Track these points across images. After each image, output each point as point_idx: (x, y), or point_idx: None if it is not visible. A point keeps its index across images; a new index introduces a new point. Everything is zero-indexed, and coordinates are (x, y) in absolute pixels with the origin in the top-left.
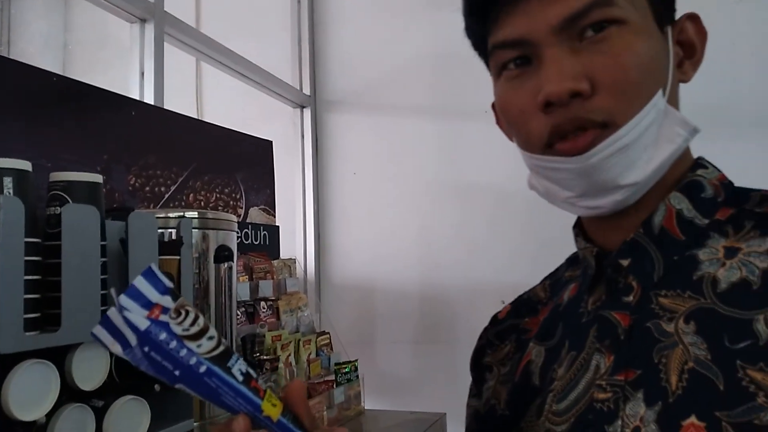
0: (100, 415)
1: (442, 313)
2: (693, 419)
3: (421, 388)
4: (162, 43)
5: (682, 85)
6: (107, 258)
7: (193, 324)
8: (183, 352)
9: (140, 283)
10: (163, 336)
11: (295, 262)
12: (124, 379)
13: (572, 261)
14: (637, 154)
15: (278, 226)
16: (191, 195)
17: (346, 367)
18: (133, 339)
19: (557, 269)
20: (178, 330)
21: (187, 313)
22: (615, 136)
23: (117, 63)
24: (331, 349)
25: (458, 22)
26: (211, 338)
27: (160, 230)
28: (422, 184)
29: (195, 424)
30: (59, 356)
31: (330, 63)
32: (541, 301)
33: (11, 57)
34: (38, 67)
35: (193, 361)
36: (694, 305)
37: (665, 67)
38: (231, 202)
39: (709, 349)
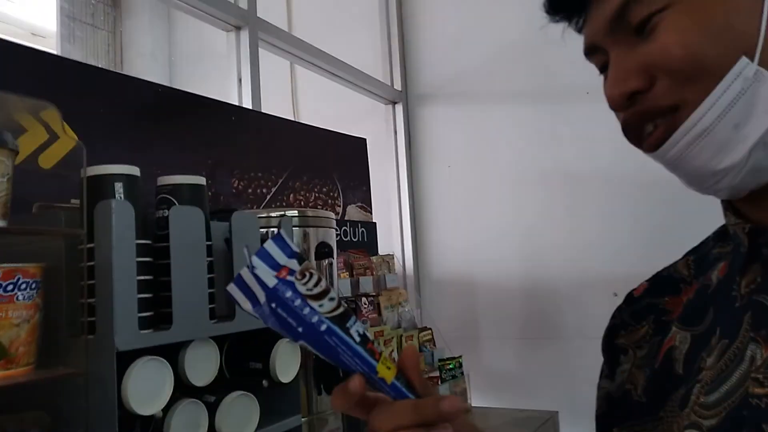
0: (212, 410)
1: (549, 307)
2: None
3: (529, 386)
4: (257, 48)
5: None
6: (213, 257)
7: (316, 285)
8: (306, 310)
9: (270, 246)
10: (288, 294)
11: (393, 258)
12: (233, 375)
13: (720, 235)
14: (725, 134)
15: (375, 223)
16: (291, 195)
17: (450, 364)
18: (261, 296)
19: (702, 243)
20: (302, 289)
21: (311, 275)
22: (688, 123)
23: (216, 72)
24: (434, 344)
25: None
26: (332, 299)
27: (262, 229)
28: (519, 174)
29: (303, 419)
30: (172, 353)
31: (420, 56)
32: (684, 279)
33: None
34: (144, 80)
35: (315, 319)
36: None
37: (748, 23)
38: (329, 201)
39: None
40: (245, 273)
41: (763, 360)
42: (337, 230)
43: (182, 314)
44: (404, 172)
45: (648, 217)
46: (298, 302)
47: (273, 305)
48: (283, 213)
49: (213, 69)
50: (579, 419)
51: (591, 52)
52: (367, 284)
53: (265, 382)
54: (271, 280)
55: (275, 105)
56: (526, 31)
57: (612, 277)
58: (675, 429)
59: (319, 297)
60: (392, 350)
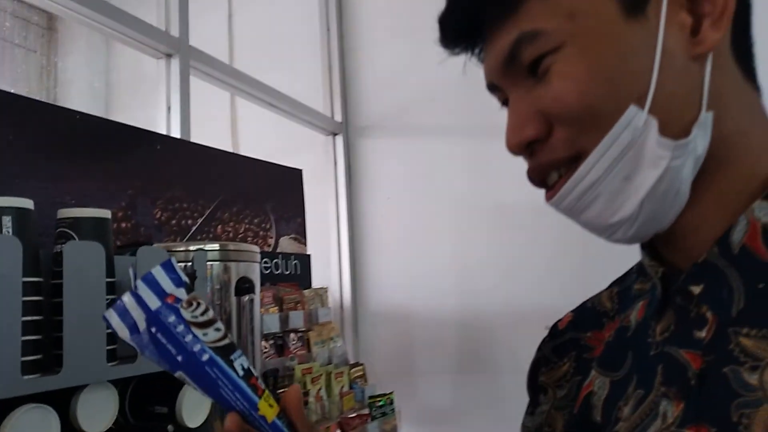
0: None
1: (483, 340)
2: None
3: (463, 420)
4: (188, 77)
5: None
6: (116, 294)
7: (203, 314)
8: (188, 338)
9: (158, 272)
10: (171, 318)
11: (327, 291)
12: (137, 420)
13: (643, 267)
14: (615, 186)
15: (309, 255)
16: (219, 227)
17: (381, 400)
18: (141, 320)
19: (627, 274)
20: (187, 316)
21: (198, 304)
22: (577, 176)
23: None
24: (366, 381)
25: None
26: (218, 330)
27: (179, 263)
28: (456, 206)
29: None
30: (66, 399)
31: (360, 89)
32: (607, 312)
33: (59, 102)
34: (61, 106)
35: (197, 347)
36: None
37: (640, 68)
38: (261, 233)
39: None
40: (127, 298)
41: (674, 418)
42: (267, 263)
43: (75, 357)
44: (343, 204)
45: (580, 252)
46: (180, 328)
47: (153, 330)
48: (202, 247)
49: (150, 97)
50: None
51: (491, 89)
52: (297, 319)
53: (170, 428)
54: (154, 303)
55: (214, 135)
56: (460, 69)
57: (544, 311)
58: None
59: (204, 325)
60: (320, 388)
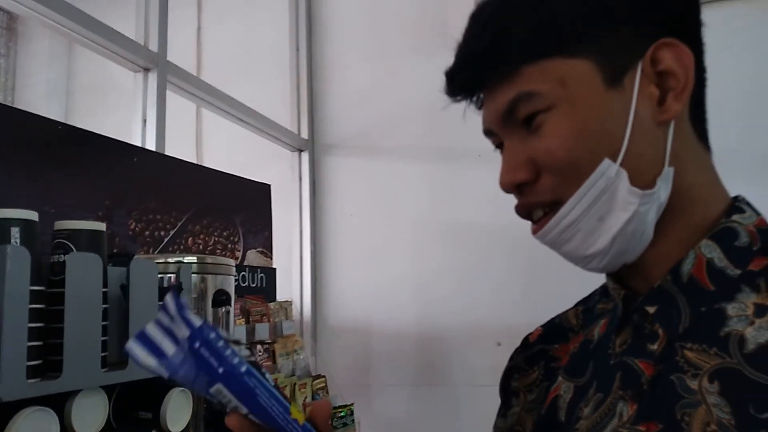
0: None
1: (439, 354)
2: None
3: (421, 431)
4: (164, 91)
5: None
6: (108, 304)
7: (228, 334)
8: (228, 351)
9: (177, 298)
10: (212, 335)
11: (291, 305)
12: (121, 425)
13: (606, 290)
14: (591, 225)
15: (275, 269)
16: (190, 239)
17: (342, 411)
18: (185, 333)
19: (591, 295)
20: (223, 333)
21: (220, 327)
22: (559, 215)
23: (118, 109)
24: (327, 392)
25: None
26: (247, 348)
27: (159, 275)
28: (417, 225)
29: None
30: (60, 403)
31: (327, 108)
32: (572, 328)
33: (15, 103)
34: (43, 116)
35: (236, 360)
36: (719, 363)
37: (616, 129)
38: (229, 245)
39: (732, 414)
40: (151, 328)
41: (628, 417)
42: (236, 276)
43: (73, 363)
44: (307, 219)
45: (531, 272)
46: (221, 343)
47: (197, 344)
48: (181, 259)
49: (113, 105)
50: None
51: (488, 134)
52: (263, 331)
53: None
54: (197, 320)
55: (179, 147)
56: (427, 93)
57: (497, 328)
58: None
59: (236, 343)
60: None
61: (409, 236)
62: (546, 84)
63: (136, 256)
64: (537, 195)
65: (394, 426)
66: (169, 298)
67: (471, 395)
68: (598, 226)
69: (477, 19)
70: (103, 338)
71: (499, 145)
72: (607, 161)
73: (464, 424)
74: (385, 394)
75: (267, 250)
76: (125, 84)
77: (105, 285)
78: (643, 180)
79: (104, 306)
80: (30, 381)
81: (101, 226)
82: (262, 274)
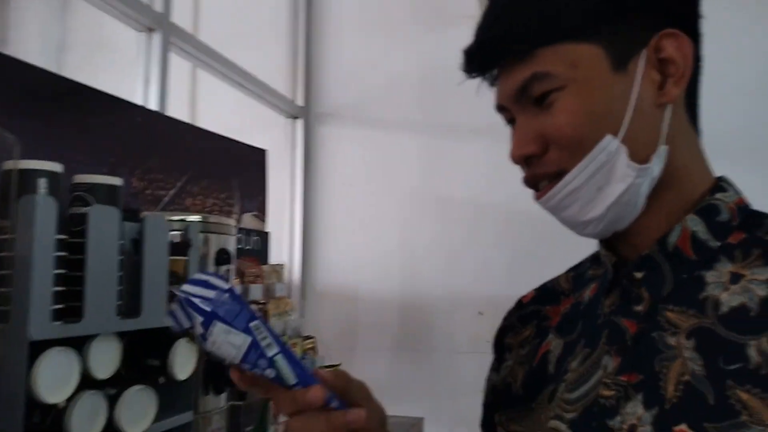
0: (112, 402)
1: (421, 321)
2: (684, 427)
3: (399, 394)
4: (168, 52)
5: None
6: (122, 257)
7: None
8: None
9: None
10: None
11: (283, 268)
12: (130, 371)
13: (596, 258)
14: (590, 194)
15: (269, 233)
16: (189, 199)
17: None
18: (223, 285)
19: (582, 263)
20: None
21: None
22: (562, 183)
23: (114, 68)
24: (316, 353)
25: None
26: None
27: (173, 231)
28: (406, 197)
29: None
30: (77, 346)
31: (323, 76)
32: (563, 291)
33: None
34: (54, 73)
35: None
36: (696, 323)
37: (619, 109)
38: (226, 207)
39: (704, 366)
40: (196, 276)
41: (612, 369)
42: (237, 236)
43: (93, 309)
44: (299, 186)
45: (512, 245)
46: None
47: (237, 292)
48: (184, 217)
49: (109, 63)
50: (442, 425)
51: (500, 109)
52: (256, 292)
53: (162, 379)
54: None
55: (173, 108)
56: (424, 67)
57: (478, 297)
58: (543, 419)
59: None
60: None
61: (398, 207)
62: (559, 66)
63: (145, 213)
64: (544, 167)
65: (376, 387)
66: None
67: (450, 361)
68: (597, 195)
69: (496, 4)
70: (119, 288)
71: (510, 121)
72: (609, 137)
73: (443, 387)
74: (369, 357)
75: (262, 213)
76: (120, 42)
77: (120, 238)
78: (639, 156)
79: (120, 258)
80: (55, 323)
81: (119, 181)
82: (256, 237)
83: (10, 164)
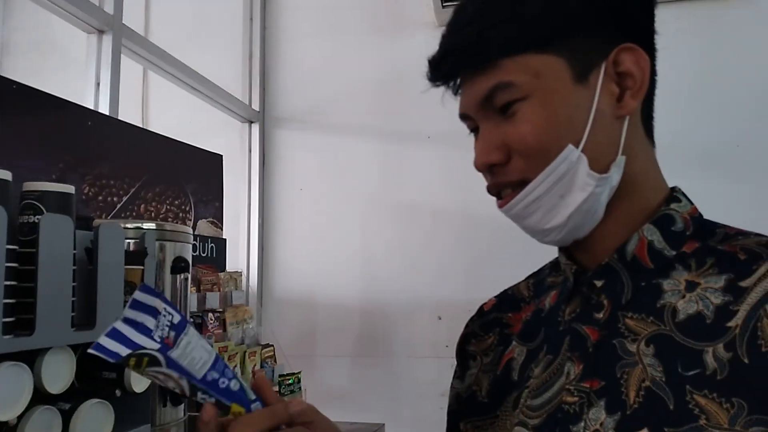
0: (67, 417)
1: (381, 327)
2: (645, 431)
3: (360, 400)
4: (119, 54)
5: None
6: (75, 266)
7: (186, 347)
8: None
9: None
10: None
11: (241, 275)
12: (85, 384)
13: (555, 265)
14: (552, 201)
15: (225, 239)
16: (142, 206)
17: (290, 379)
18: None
19: (541, 269)
20: (174, 355)
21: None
22: (525, 191)
23: (60, 69)
24: (275, 361)
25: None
26: (208, 351)
27: (128, 240)
28: (364, 202)
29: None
30: (28, 360)
31: (279, 80)
32: (524, 298)
33: None
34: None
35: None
36: (654, 330)
37: (580, 119)
38: (180, 214)
39: (664, 372)
40: (119, 324)
41: (575, 375)
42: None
43: (45, 321)
44: (256, 191)
45: (470, 251)
46: (175, 373)
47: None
48: (140, 225)
49: (54, 65)
50: (403, 429)
51: (463, 118)
52: (213, 300)
53: (118, 392)
54: (154, 344)
55: (123, 112)
56: (380, 73)
57: (437, 302)
58: (508, 425)
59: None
60: (235, 365)
61: (356, 213)
62: (523, 76)
63: (98, 221)
64: (506, 175)
65: (336, 394)
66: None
67: (410, 366)
68: (559, 203)
69: (461, 14)
70: (73, 299)
71: (473, 130)
72: (570, 147)
73: (403, 393)
74: (329, 364)
75: (217, 220)
76: (68, 44)
77: (74, 247)
78: (599, 165)
79: (73, 268)
80: (5, 337)
81: (71, 189)
82: (212, 244)
83: None
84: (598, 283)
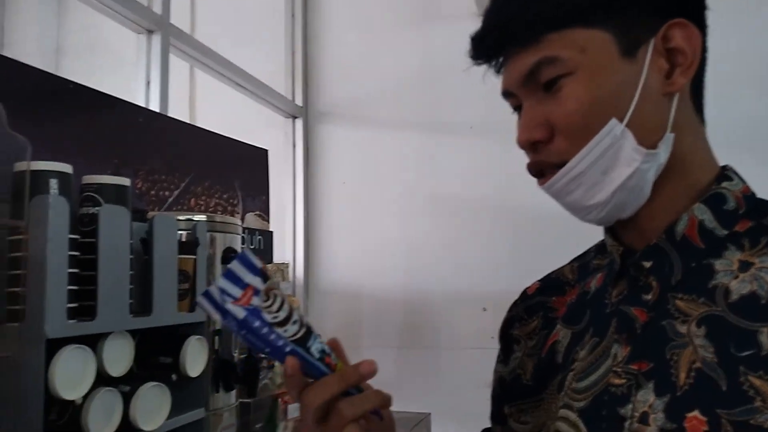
0: (127, 399)
1: (426, 319)
2: (696, 413)
3: (406, 391)
4: (168, 53)
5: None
6: (133, 255)
7: (279, 309)
8: (272, 336)
9: (236, 266)
10: (256, 324)
11: (288, 267)
12: (142, 368)
13: (600, 248)
14: (595, 178)
15: (272, 232)
16: (192, 200)
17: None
18: (233, 324)
19: (585, 252)
20: (268, 318)
21: (275, 297)
22: (566, 167)
23: (112, 70)
24: None
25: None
26: (295, 322)
27: (180, 231)
28: (408, 194)
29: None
30: (90, 345)
31: (322, 75)
32: (568, 282)
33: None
34: (57, 75)
35: (280, 343)
36: (706, 311)
37: (626, 96)
38: (229, 208)
39: (716, 353)
40: (213, 290)
41: (622, 357)
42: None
43: (106, 307)
44: (300, 185)
45: (515, 239)
46: (265, 330)
47: (243, 332)
48: (190, 217)
49: (106, 65)
50: (448, 420)
51: (507, 96)
52: None
53: (174, 376)
54: (240, 312)
55: (172, 108)
56: (420, 65)
57: (482, 293)
58: (553, 408)
59: (283, 323)
60: None
61: (399, 204)
62: (568, 51)
63: (152, 213)
64: (549, 155)
65: (382, 384)
66: (222, 280)
67: (455, 357)
68: (602, 179)
69: None
70: (130, 286)
71: (516, 108)
72: (614, 120)
73: (448, 383)
74: (373, 355)
75: (264, 213)
76: (117, 44)
77: (131, 237)
78: (646, 142)
79: (130, 257)
80: (70, 321)
81: (127, 182)
82: (260, 237)
83: (23, 165)
84: (647, 264)
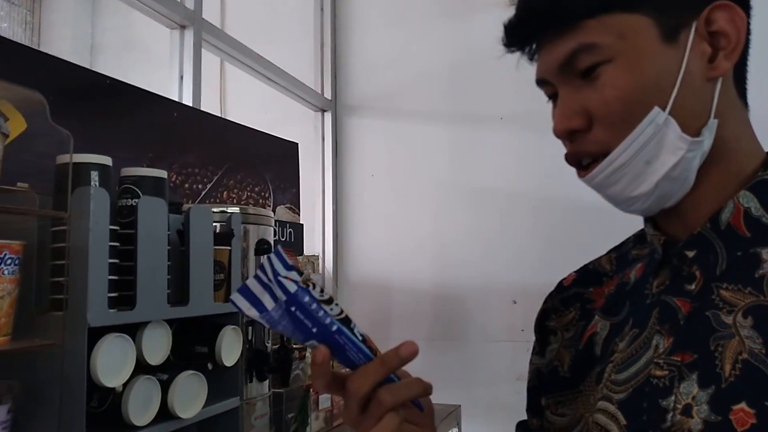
0: (164, 387)
1: (455, 311)
2: (743, 405)
3: (436, 382)
4: (200, 48)
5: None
6: (170, 246)
7: (322, 293)
8: (320, 313)
9: (273, 260)
10: (306, 299)
11: (318, 259)
12: (178, 358)
13: (640, 238)
14: (638, 168)
15: (302, 224)
16: (225, 192)
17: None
18: (281, 299)
19: (624, 243)
20: (316, 295)
21: (315, 284)
22: (608, 160)
23: (143, 64)
24: None
25: (472, 30)
26: (336, 305)
27: (215, 223)
28: (436, 187)
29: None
30: (129, 334)
31: (350, 69)
32: (606, 273)
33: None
34: (94, 71)
35: (327, 321)
36: (753, 301)
37: (668, 82)
38: (260, 200)
39: (764, 344)
40: (251, 283)
41: (664, 349)
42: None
43: (145, 297)
44: (330, 178)
45: (545, 234)
46: (314, 306)
47: (293, 308)
48: (225, 209)
49: (140, 62)
50: (478, 411)
51: (541, 84)
52: None
53: (210, 365)
54: (292, 286)
55: (203, 102)
56: (449, 56)
57: (512, 286)
58: (591, 401)
59: (328, 302)
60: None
61: (428, 197)
62: (607, 36)
63: (188, 205)
64: (588, 145)
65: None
66: (266, 263)
67: (485, 350)
68: (645, 169)
69: None
70: (168, 276)
71: (551, 96)
72: (656, 109)
73: (478, 376)
74: None
75: (295, 206)
76: (149, 41)
77: (167, 229)
78: (689, 129)
79: (167, 248)
80: (111, 310)
81: (164, 174)
82: (290, 229)
83: (65, 158)
84: (690, 254)
